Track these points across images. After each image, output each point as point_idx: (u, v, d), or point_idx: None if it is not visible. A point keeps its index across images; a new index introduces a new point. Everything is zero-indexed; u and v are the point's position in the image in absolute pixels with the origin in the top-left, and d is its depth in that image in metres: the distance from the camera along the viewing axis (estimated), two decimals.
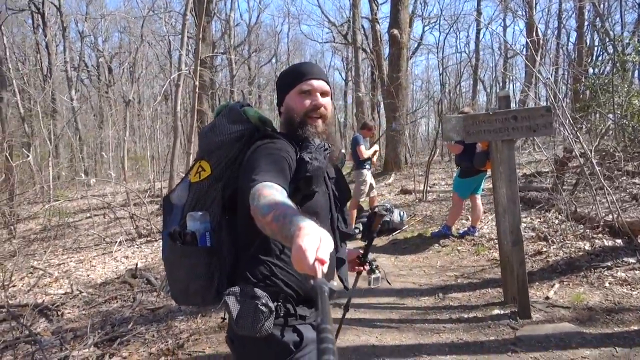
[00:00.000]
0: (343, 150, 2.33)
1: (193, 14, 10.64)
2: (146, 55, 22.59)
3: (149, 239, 7.56)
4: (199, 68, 7.49)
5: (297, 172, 1.40)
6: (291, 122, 1.53)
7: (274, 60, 31.85)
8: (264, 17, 54.76)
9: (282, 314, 1.37)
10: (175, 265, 1.45)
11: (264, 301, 1.32)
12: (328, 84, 1.60)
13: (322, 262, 0.84)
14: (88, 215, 10.15)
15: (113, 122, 16.94)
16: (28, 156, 12.80)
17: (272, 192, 1.15)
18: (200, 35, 7.29)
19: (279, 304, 1.37)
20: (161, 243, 5.21)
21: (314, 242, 0.86)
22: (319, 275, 0.83)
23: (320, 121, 1.54)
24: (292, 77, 1.57)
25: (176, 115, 7.71)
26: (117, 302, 4.81)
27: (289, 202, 1.12)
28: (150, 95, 26.11)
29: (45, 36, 21.30)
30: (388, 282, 2.38)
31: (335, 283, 0.89)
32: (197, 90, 7.54)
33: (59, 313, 4.60)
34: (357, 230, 1.92)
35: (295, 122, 1.52)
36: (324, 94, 1.56)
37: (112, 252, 7.06)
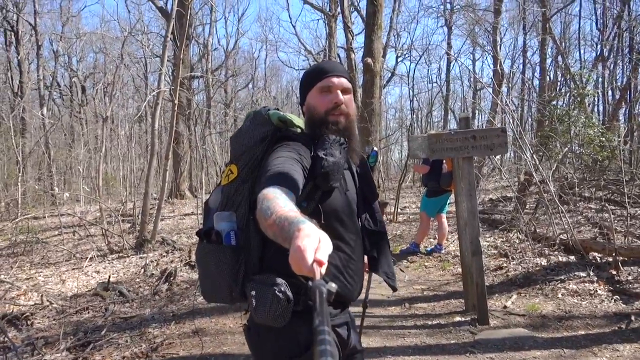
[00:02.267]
0: (375, 149, 2.28)
1: (172, 38, 10.87)
2: (122, 76, 22.64)
3: (121, 254, 7.52)
4: (178, 88, 7.67)
5: (313, 170, 1.39)
6: (312, 121, 1.52)
7: (250, 86, 32.25)
8: (241, 43, 55.52)
9: (300, 308, 1.34)
10: (204, 263, 1.47)
11: (282, 288, 1.30)
12: (350, 81, 1.57)
13: (320, 264, 0.83)
14: (57, 232, 9.99)
15: (85, 142, 16.82)
16: None
17: (276, 195, 1.14)
18: (181, 57, 7.52)
19: (301, 297, 1.34)
20: (135, 259, 5.27)
21: (313, 243, 0.85)
22: (317, 276, 0.82)
23: (342, 118, 1.51)
24: (313, 76, 1.56)
25: (154, 133, 7.83)
26: (88, 312, 4.81)
27: (292, 205, 1.11)
28: (124, 116, 25.99)
29: (18, 54, 21.10)
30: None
31: (334, 285, 0.84)
32: (175, 109, 7.70)
33: (29, 322, 4.56)
34: None
35: (317, 121, 1.51)
36: (344, 90, 1.53)
37: (82, 267, 7.01)
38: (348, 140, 1.52)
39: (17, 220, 9.39)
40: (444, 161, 5.79)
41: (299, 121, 1.58)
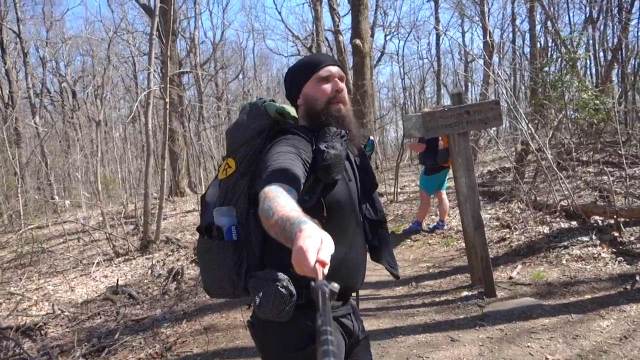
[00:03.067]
0: (372, 137, 2.27)
1: (158, 34, 10.76)
2: (111, 77, 22.46)
3: (127, 257, 7.56)
4: (168, 86, 7.62)
5: (314, 163, 1.39)
6: (313, 111, 1.51)
7: (240, 76, 32.04)
8: (228, 34, 54.97)
9: (303, 301, 1.34)
10: (206, 259, 1.48)
11: (284, 284, 1.30)
12: (342, 69, 1.59)
13: (323, 264, 0.84)
14: (62, 240, 10.04)
15: (81, 147, 16.75)
16: None
17: (278, 194, 1.14)
18: (168, 54, 7.45)
19: (303, 290, 1.33)
20: (141, 260, 5.28)
21: (315, 243, 0.85)
22: (320, 276, 0.82)
23: (341, 106, 1.52)
24: (308, 67, 1.56)
25: (148, 133, 7.81)
26: (100, 317, 4.87)
27: (294, 204, 1.11)
28: (117, 117, 25.90)
29: (5, 64, 20.88)
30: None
31: (337, 285, 0.83)
32: (167, 107, 7.66)
33: (43, 332, 4.61)
34: None
35: (318, 110, 1.50)
36: (341, 79, 1.55)
37: (90, 273, 7.05)
38: (348, 131, 1.51)
39: (21, 231, 9.41)
40: (440, 138, 5.79)
41: (295, 113, 1.59)
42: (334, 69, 1.54)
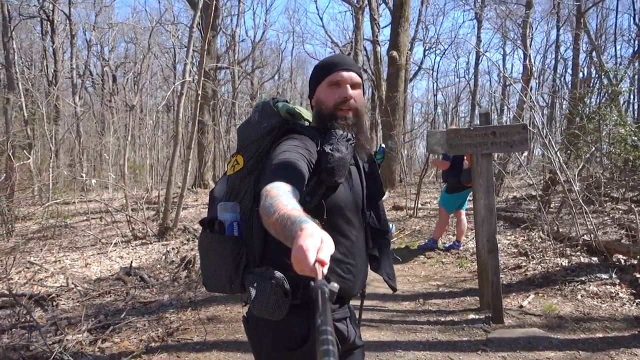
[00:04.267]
0: (383, 145, 2.24)
1: (200, 27, 10.99)
2: (151, 66, 23.07)
3: (144, 241, 7.72)
4: (202, 78, 7.78)
5: (318, 165, 1.39)
6: (321, 115, 1.52)
7: (276, 77, 32.36)
8: (268, 35, 55.63)
9: (298, 302, 1.34)
10: (206, 252, 1.48)
11: (280, 282, 1.31)
12: (359, 75, 1.56)
13: (322, 264, 0.83)
14: (85, 218, 10.33)
15: (115, 130, 17.24)
16: (29, 158, 13.03)
17: (280, 192, 1.14)
18: (205, 47, 7.61)
19: (299, 291, 1.34)
20: (157, 246, 5.38)
21: (315, 243, 0.85)
22: (320, 276, 0.82)
23: (350, 113, 1.50)
24: (323, 69, 1.55)
25: (178, 122, 7.99)
26: (110, 296, 4.98)
27: (295, 203, 1.11)
28: (153, 105, 26.54)
29: (53, 43, 21.72)
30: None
31: (336, 285, 0.84)
32: (199, 99, 7.81)
33: (54, 304, 4.75)
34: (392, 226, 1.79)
35: (325, 115, 1.50)
36: (354, 85, 1.52)
37: (107, 252, 7.23)
38: (356, 136, 1.50)
39: (47, 205, 9.72)
40: (465, 157, 5.73)
41: (307, 114, 1.58)
42: (346, 74, 1.51)
